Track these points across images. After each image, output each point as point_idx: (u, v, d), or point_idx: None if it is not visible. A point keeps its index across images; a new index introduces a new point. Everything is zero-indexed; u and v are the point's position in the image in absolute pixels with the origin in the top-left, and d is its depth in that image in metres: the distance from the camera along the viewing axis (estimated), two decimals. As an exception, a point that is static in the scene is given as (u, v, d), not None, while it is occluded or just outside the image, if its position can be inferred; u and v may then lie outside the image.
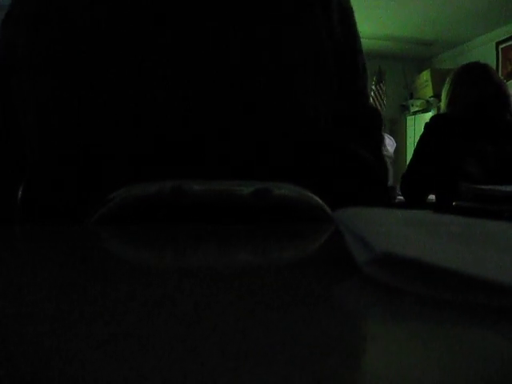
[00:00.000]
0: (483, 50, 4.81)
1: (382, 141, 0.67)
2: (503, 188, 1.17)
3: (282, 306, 0.18)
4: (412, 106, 5.22)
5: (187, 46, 0.50)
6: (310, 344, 0.14)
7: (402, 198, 1.88)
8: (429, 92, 4.89)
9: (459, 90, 1.73)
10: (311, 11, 0.55)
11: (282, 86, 0.52)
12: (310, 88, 0.53)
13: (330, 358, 0.13)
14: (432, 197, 1.79)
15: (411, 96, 5.30)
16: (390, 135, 3.80)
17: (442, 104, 1.82)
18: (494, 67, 4.63)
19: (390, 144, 3.59)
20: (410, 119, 5.22)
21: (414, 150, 1.77)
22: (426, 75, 5.01)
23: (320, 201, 0.49)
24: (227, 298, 0.19)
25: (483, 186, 1.29)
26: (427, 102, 4.93)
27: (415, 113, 5.13)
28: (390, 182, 2.48)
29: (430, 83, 4.90)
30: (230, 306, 0.18)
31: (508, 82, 4.46)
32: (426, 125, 1.73)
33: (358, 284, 0.22)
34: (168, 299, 0.19)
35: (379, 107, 4.99)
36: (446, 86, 1.82)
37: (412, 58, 5.45)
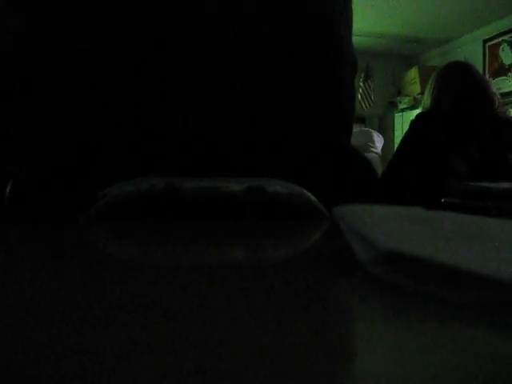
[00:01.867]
0: (471, 48, 4.85)
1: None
2: (493, 185, 1.18)
3: (281, 303, 0.18)
4: (400, 103, 5.25)
5: (187, 46, 0.50)
6: (310, 342, 0.14)
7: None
8: (416, 89, 4.92)
9: (444, 85, 1.74)
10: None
11: (284, 87, 0.52)
12: (314, 90, 0.53)
13: (330, 356, 0.13)
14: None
15: (399, 93, 5.33)
16: (378, 132, 3.83)
17: (425, 102, 1.82)
18: (481, 64, 4.69)
19: (378, 140, 3.62)
20: (397, 116, 5.24)
21: (397, 148, 1.77)
22: (413, 72, 5.05)
23: (313, 197, 0.49)
24: (223, 295, 0.19)
25: (472, 183, 1.30)
26: (415, 99, 4.96)
27: (403, 110, 5.16)
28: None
29: (417, 80, 4.94)
30: (226, 304, 0.18)
31: (495, 80, 4.52)
32: (411, 122, 1.74)
33: (360, 282, 0.22)
34: (163, 296, 0.19)
35: (367, 104, 5.02)
36: (429, 84, 1.83)
37: (400, 55, 5.49)
